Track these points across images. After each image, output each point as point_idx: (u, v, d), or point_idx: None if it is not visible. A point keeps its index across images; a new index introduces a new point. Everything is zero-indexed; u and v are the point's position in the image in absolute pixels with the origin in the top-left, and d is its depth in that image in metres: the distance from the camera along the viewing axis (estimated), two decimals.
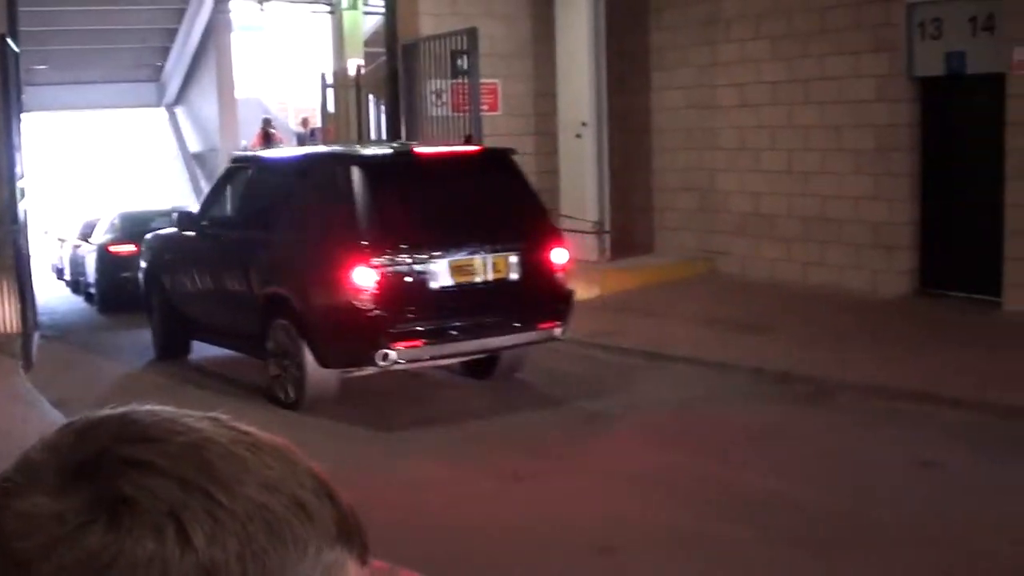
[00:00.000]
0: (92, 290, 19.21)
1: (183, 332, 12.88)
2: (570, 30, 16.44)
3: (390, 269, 9.84)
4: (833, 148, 14.08)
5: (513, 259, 10.38)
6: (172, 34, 31.14)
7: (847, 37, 13.73)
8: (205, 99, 31.24)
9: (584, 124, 16.24)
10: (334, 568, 0.80)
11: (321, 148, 15.05)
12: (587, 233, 15.69)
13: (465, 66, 14.41)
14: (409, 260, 9.94)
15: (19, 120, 13.80)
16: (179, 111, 34.10)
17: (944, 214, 13.18)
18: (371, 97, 19.32)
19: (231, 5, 29.53)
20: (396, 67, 16.31)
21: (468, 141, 13.10)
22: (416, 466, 8.59)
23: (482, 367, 11.16)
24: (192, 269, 12.43)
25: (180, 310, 12.76)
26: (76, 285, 21.51)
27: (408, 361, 10.02)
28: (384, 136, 17.65)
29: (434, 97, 15.49)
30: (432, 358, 10.40)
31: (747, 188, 15.37)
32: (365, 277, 9.75)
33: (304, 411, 10.16)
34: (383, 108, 17.88)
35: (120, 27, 29.62)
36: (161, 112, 34.47)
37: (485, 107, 15.81)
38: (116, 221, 18.83)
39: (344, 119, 20.81)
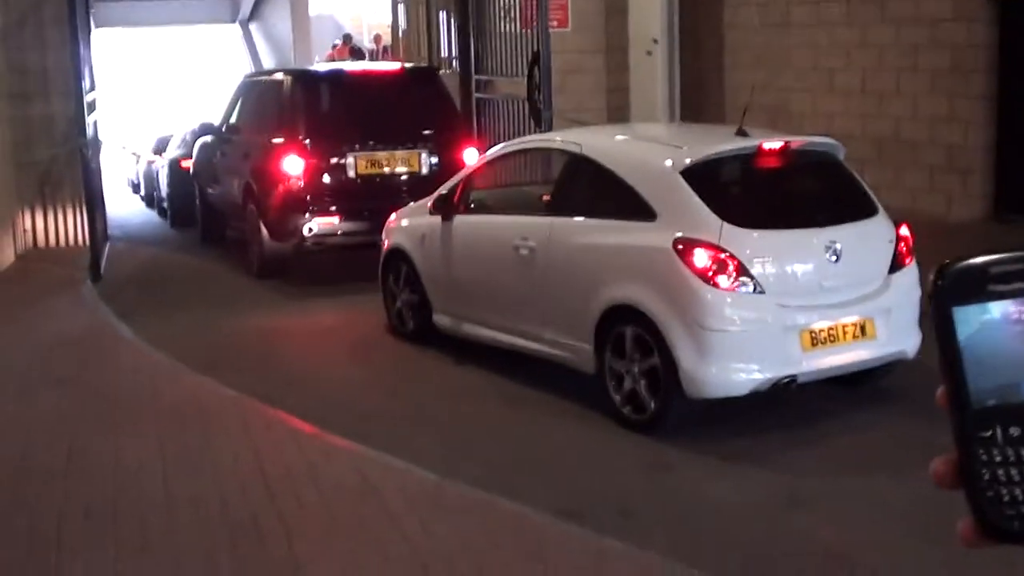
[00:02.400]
0: (165, 204, 19.37)
1: (217, 221, 15.18)
2: None
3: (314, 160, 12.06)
4: (908, 68, 13.76)
5: (424, 156, 12.39)
6: None
7: None
8: (279, 16, 31.25)
9: (655, 41, 16.04)
10: None
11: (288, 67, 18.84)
12: None
13: None
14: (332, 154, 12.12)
15: (88, 34, 13.88)
16: (253, 27, 34.14)
17: (1021, 138, 12.87)
18: (442, 13, 19.18)
19: None
20: None
21: (536, 58, 13.35)
22: None
23: None
24: (213, 169, 14.75)
25: (210, 203, 15.16)
26: (150, 199, 21.72)
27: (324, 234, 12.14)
28: (454, 53, 17.53)
29: (503, 13, 15.31)
30: (343, 234, 12.19)
31: (820, 109, 15.10)
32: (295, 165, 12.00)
33: (261, 278, 12.75)
34: (454, 24, 17.73)
35: None
36: (235, 28, 34.53)
37: (554, 23, 15.59)
38: (188, 137, 18.92)
39: (415, 36, 20.71)
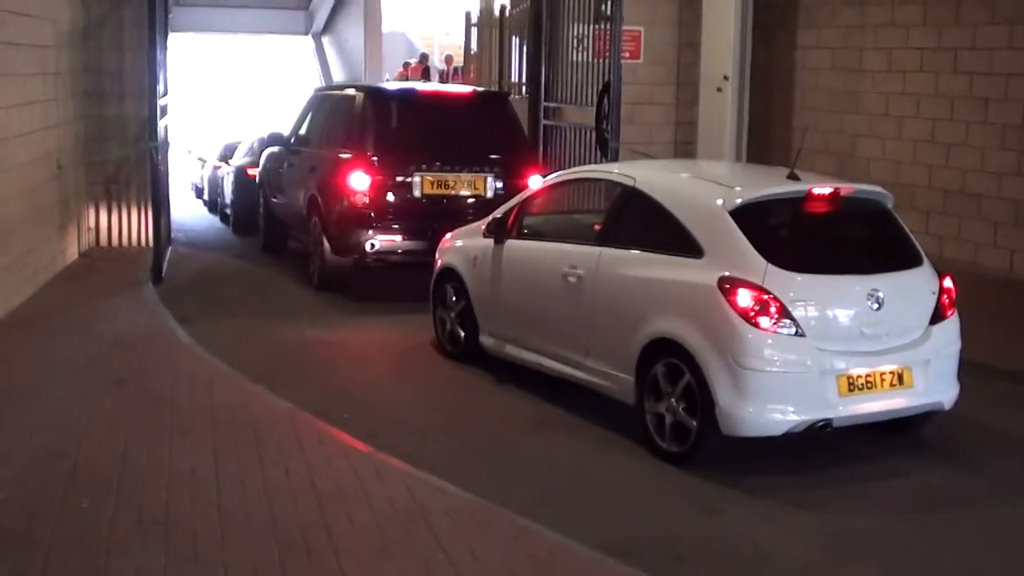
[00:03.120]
0: (228, 211, 19.54)
1: (280, 231, 15.47)
2: None
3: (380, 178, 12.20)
4: (978, 120, 13.68)
5: (490, 180, 12.50)
6: None
7: (1002, 6, 13.30)
8: (351, 30, 31.42)
9: (726, 78, 16.04)
10: None
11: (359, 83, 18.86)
12: None
13: (608, 11, 14.25)
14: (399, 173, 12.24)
15: (165, 38, 14.05)
16: (325, 40, 34.35)
17: None
18: (514, 38, 19.26)
19: None
20: (540, 9, 16.19)
21: (607, 89, 13.45)
22: None
23: None
24: (279, 179, 14.93)
25: (273, 212, 15.36)
26: (214, 205, 21.90)
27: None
28: (524, 78, 17.60)
29: (576, 42, 15.37)
30: (404, 252, 12.31)
31: (888, 156, 15.04)
32: (361, 181, 12.17)
33: (320, 290, 12.97)
34: (526, 50, 17.81)
35: None
36: (308, 40, 34.77)
37: (627, 54, 15.66)
38: (255, 145, 19.07)
39: (487, 59, 20.80)
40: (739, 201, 7.55)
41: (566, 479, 7.31)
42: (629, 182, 8.42)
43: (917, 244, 8.05)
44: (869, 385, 7.26)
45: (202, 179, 24.30)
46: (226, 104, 38.53)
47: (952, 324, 7.80)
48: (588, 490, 7.13)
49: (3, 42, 10.96)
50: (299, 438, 7.43)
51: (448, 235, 10.62)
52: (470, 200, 12.44)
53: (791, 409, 7.08)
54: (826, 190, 7.81)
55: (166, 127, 13.94)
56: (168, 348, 9.91)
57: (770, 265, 7.18)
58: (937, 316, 7.68)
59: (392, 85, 17.42)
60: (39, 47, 12.39)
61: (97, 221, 14.90)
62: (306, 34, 34.55)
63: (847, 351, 7.23)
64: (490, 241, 9.62)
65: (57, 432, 7.46)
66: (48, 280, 12.50)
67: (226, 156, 21.19)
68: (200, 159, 25.15)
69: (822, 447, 7.71)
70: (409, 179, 12.27)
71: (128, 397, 8.32)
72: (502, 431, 8.26)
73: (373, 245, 12.20)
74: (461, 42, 24.51)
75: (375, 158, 12.29)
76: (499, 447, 7.91)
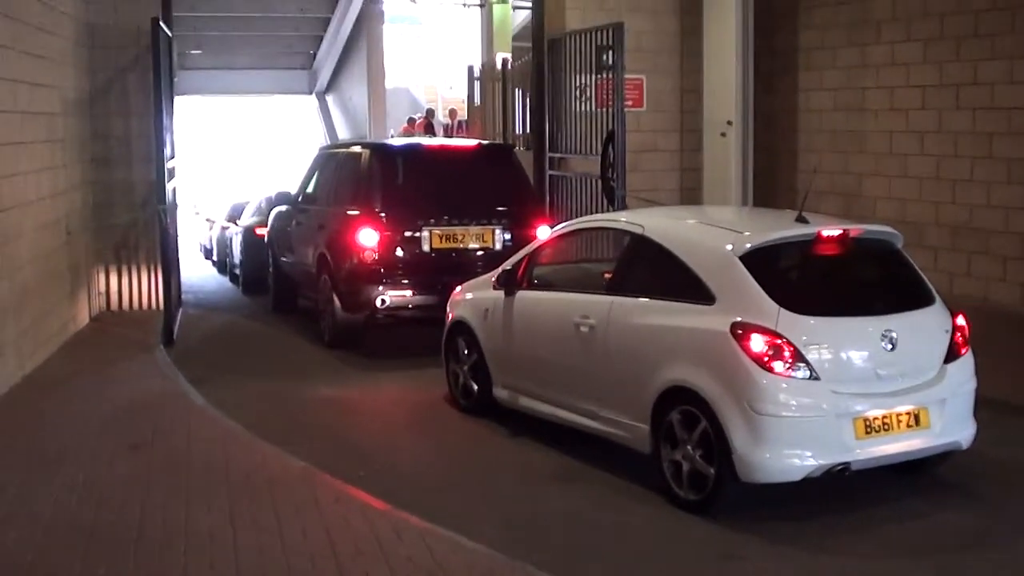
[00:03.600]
0: (238, 271, 19.59)
1: (289, 290, 15.43)
2: (718, 26, 16.29)
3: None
4: (983, 156, 13.71)
5: (498, 232, 12.56)
6: (325, 23, 31.63)
7: (1002, 41, 13.35)
8: (355, 88, 31.66)
9: (729, 123, 16.07)
10: None
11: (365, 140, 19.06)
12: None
13: (610, 61, 14.34)
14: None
15: (171, 102, 14.15)
16: (329, 99, 34.59)
17: None
18: (517, 91, 19.37)
19: None
20: (542, 61, 16.31)
21: (611, 137, 13.56)
22: None
23: None
24: (287, 238, 14.99)
25: (283, 271, 15.38)
26: (223, 265, 21.97)
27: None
28: (528, 130, 17.69)
29: (578, 92, 15.46)
30: (415, 307, 12.34)
31: (894, 194, 15.05)
32: (369, 238, 12.20)
33: (332, 348, 12.97)
34: (529, 102, 17.92)
35: (274, 15, 30.20)
36: (312, 99, 35.00)
37: (629, 103, 15.72)
38: (263, 204, 19.16)
39: (490, 112, 20.92)
40: (748, 246, 7.55)
41: (586, 532, 7.27)
42: (638, 230, 8.43)
43: (928, 283, 8.04)
44: (886, 427, 7.23)
45: (211, 240, 24.39)
46: (233, 164, 38.73)
47: (967, 362, 7.78)
48: (608, 542, 7.09)
49: (14, 111, 11.06)
50: (316, 497, 7.42)
51: (458, 288, 10.62)
52: (479, 253, 12.50)
53: (808, 454, 7.04)
54: (835, 232, 7.81)
55: (174, 189, 14.01)
56: (182, 410, 9.91)
57: (782, 309, 7.18)
58: (951, 355, 7.66)
59: (397, 141, 17.50)
60: (47, 115, 12.49)
61: (107, 285, 14.96)
62: (310, 93, 34.80)
63: (862, 393, 7.21)
64: (500, 293, 9.63)
65: (75, 496, 7.46)
66: (61, 345, 12.54)
67: (234, 216, 21.28)
68: (208, 220, 25.26)
69: (840, 490, 7.67)
70: (418, 234, 12.32)
71: (144, 461, 8.32)
72: (519, 484, 8.23)
73: (384, 301, 12.22)
74: (464, 96, 24.68)
75: (383, 214, 12.32)
76: (517, 501, 7.88)
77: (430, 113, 29.34)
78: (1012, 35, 13.22)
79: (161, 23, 12.96)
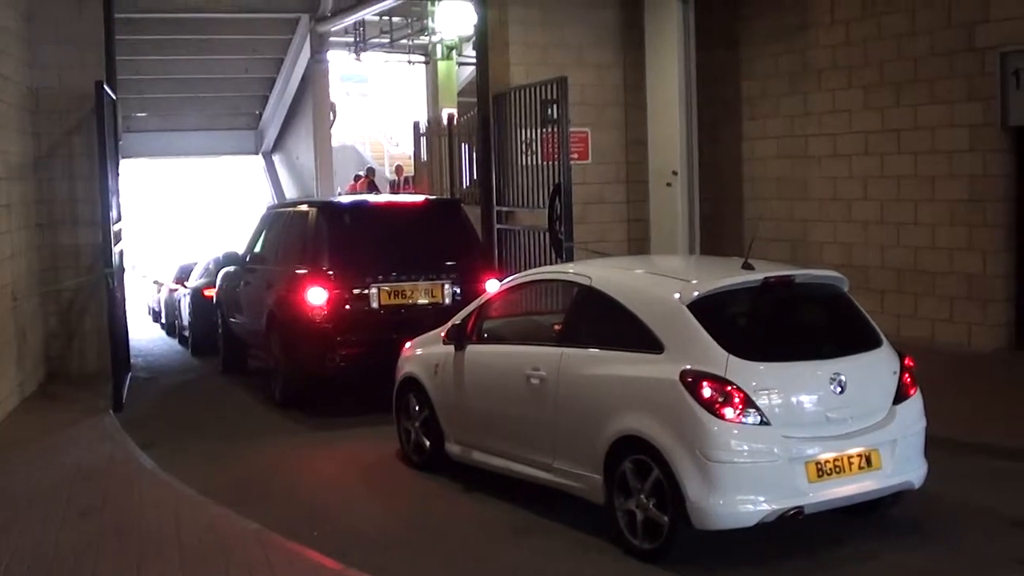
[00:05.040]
0: (186, 332, 19.48)
1: (239, 350, 15.47)
2: (661, 79, 16.44)
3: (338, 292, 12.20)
4: (926, 199, 13.89)
5: (447, 287, 12.59)
6: (270, 83, 31.69)
7: (940, 86, 13.57)
8: (301, 147, 31.69)
9: (675, 173, 16.19)
10: None
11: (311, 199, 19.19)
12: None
13: (555, 115, 14.43)
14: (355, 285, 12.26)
15: (117, 165, 14.08)
16: (276, 158, 34.59)
17: None
18: (464, 146, 19.44)
19: (328, 56, 29.99)
20: (488, 116, 16.39)
21: (557, 190, 13.64)
22: None
23: None
24: (236, 298, 14.95)
25: (232, 332, 15.34)
26: (172, 327, 21.84)
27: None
28: (475, 183, 17.74)
29: (524, 146, 15.54)
30: (366, 365, 12.22)
31: (840, 239, 15.21)
32: (318, 296, 12.16)
33: (283, 407, 12.90)
34: (475, 156, 17.98)
35: (219, 76, 30.24)
36: (258, 159, 34.98)
37: (575, 155, 15.82)
38: (211, 265, 19.09)
39: (437, 167, 20.98)
40: (696, 294, 7.59)
41: None
42: (585, 281, 8.46)
43: (875, 325, 8.11)
44: (838, 469, 7.25)
45: (158, 302, 24.27)
46: (180, 226, 38.58)
47: (916, 402, 7.84)
48: None
49: None
50: (269, 560, 7.34)
51: (408, 344, 10.59)
52: (428, 308, 12.42)
53: (762, 499, 7.05)
54: (781, 277, 7.88)
55: (120, 252, 13.93)
56: (131, 475, 9.80)
57: (731, 356, 7.20)
58: (900, 395, 7.72)
59: (344, 198, 17.54)
60: None
61: (55, 351, 14.82)
62: (257, 153, 34.79)
63: (813, 437, 7.23)
64: (450, 348, 9.61)
65: (25, 565, 7.34)
66: (9, 412, 12.39)
67: (182, 278, 21.20)
68: (156, 282, 25.13)
69: (796, 533, 7.67)
70: (366, 291, 12.30)
71: (94, 527, 8.21)
72: (475, 540, 8.17)
73: (334, 359, 12.17)
74: (411, 152, 24.76)
75: (331, 272, 12.28)
76: (474, 557, 7.82)
77: (370, 172, 29.29)
78: (950, 80, 13.44)
79: (105, 86, 12.92)
